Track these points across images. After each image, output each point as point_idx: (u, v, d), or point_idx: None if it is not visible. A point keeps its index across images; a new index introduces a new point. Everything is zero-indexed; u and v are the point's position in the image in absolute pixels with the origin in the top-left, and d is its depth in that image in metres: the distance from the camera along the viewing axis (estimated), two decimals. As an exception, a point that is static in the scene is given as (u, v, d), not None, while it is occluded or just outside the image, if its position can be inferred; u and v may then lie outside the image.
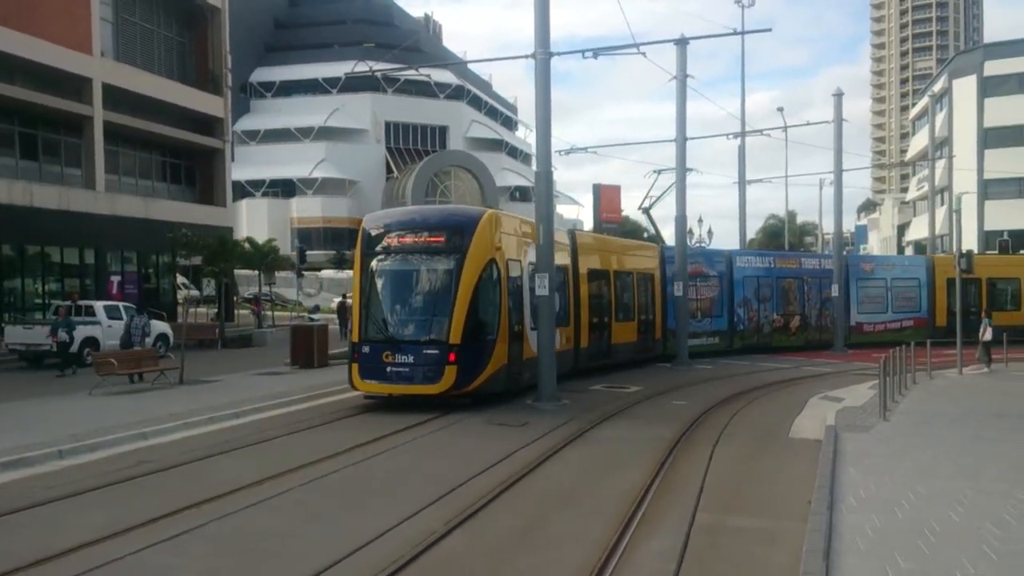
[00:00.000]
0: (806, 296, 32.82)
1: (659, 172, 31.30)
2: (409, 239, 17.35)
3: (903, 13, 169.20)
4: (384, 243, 17.44)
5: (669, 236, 31.65)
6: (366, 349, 16.75)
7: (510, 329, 17.63)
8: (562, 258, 21.10)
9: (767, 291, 31.85)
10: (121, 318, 26.21)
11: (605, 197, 43.37)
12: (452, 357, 16.17)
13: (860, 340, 31.53)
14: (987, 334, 25.13)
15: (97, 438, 12.97)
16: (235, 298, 43.87)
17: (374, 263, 17.42)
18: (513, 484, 10.52)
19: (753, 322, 31.47)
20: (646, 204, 28.57)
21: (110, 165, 34.81)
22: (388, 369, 16.40)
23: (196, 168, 41.27)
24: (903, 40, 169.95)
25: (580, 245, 22.80)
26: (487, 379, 16.76)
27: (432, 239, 17.17)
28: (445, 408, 16.17)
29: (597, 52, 20.91)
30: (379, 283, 17.46)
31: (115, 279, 34.80)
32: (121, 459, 12.08)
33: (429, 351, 16.26)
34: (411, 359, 16.34)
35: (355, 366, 16.85)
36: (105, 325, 25.52)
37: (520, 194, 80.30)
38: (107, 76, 33.54)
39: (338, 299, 42.81)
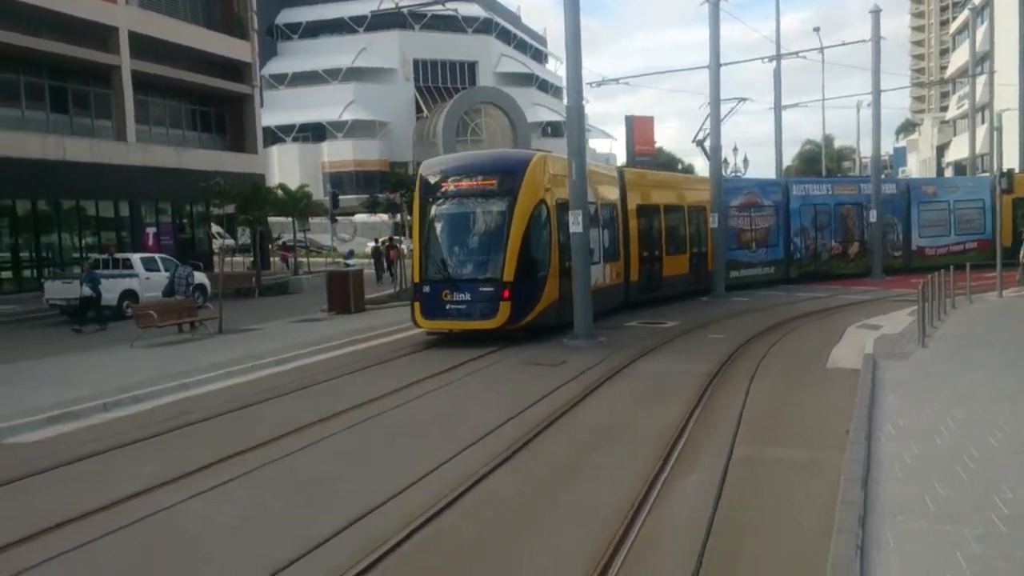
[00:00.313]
0: (865, 222, 32.51)
1: (704, 106, 31.10)
2: (464, 183, 18.37)
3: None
4: (440, 188, 18.52)
5: (702, 168, 31.54)
6: (427, 289, 17.98)
7: (560, 266, 18.46)
8: (611, 193, 22.22)
9: (824, 219, 31.87)
10: (159, 270, 26.57)
11: (638, 129, 42.96)
12: (506, 294, 17.30)
13: (922, 264, 31.00)
14: None
15: (140, 390, 13.25)
16: (270, 245, 44.21)
17: (431, 208, 18.53)
18: (551, 424, 10.61)
19: (811, 250, 31.59)
20: (700, 136, 28.48)
21: (140, 115, 34.94)
22: (448, 307, 17.63)
23: (226, 115, 41.29)
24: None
25: (628, 181, 23.54)
26: (539, 314, 17.86)
27: (485, 183, 18.19)
28: (496, 343, 17.07)
29: (624, -20, 20.39)
30: (437, 226, 18.57)
31: (150, 231, 35.19)
32: (165, 410, 12.34)
33: (485, 288, 17.43)
34: (468, 297, 17.56)
35: (417, 305, 18.14)
36: (143, 277, 25.85)
37: (552, 129, 79.49)
38: (132, 24, 33.47)
39: (372, 244, 43.02)
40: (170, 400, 13.04)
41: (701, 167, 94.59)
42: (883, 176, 40.41)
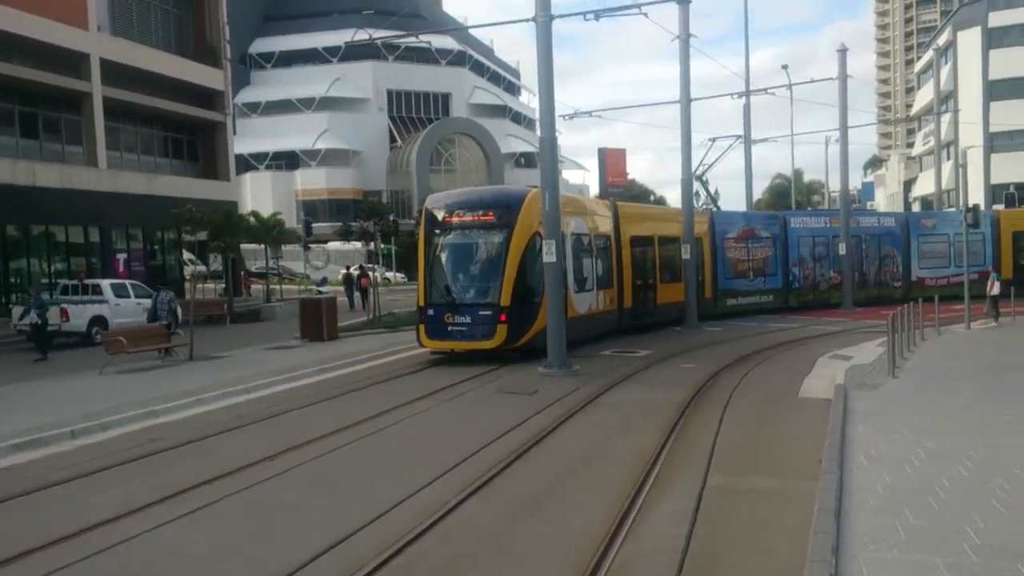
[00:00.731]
0: (864, 253, 33.62)
1: (713, 140, 32.88)
2: (465, 217, 19.98)
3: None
4: (443, 221, 20.07)
5: (674, 200, 32.28)
6: (431, 312, 19.49)
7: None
8: (604, 225, 23.67)
9: (823, 250, 32.87)
10: (129, 296, 26.33)
11: (611, 161, 43.27)
12: (503, 317, 18.75)
13: (921, 293, 31.49)
14: (994, 288, 25.06)
15: (108, 417, 13.05)
16: (242, 272, 43.93)
17: (435, 238, 20.09)
18: (525, 452, 10.57)
19: (809, 280, 32.75)
20: (699, 171, 29.64)
21: (111, 142, 34.72)
22: (450, 328, 19.15)
23: (198, 142, 41.13)
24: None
25: (622, 214, 24.78)
26: (534, 336, 19.00)
27: (484, 216, 19.74)
28: (493, 362, 18.17)
29: (599, 14, 20.64)
30: (440, 255, 20.12)
31: (121, 257, 34.84)
32: (133, 437, 12.16)
33: (484, 312, 18.84)
34: (469, 319, 19.04)
35: (422, 327, 19.62)
36: (113, 303, 25.58)
37: (525, 160, 79.93)
38: (104, 51, 33.34)
39: (344, 271, 42.94)
40: (139, 427, 12.85)
41: (673, 199, 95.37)
42: (856, 208, 40.93)
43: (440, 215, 20.15)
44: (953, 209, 39.75)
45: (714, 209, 33.10)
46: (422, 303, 19.67)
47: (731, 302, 30.02)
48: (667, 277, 26.70)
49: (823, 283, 32.94)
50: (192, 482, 9.38)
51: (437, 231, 20.06)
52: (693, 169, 28.63)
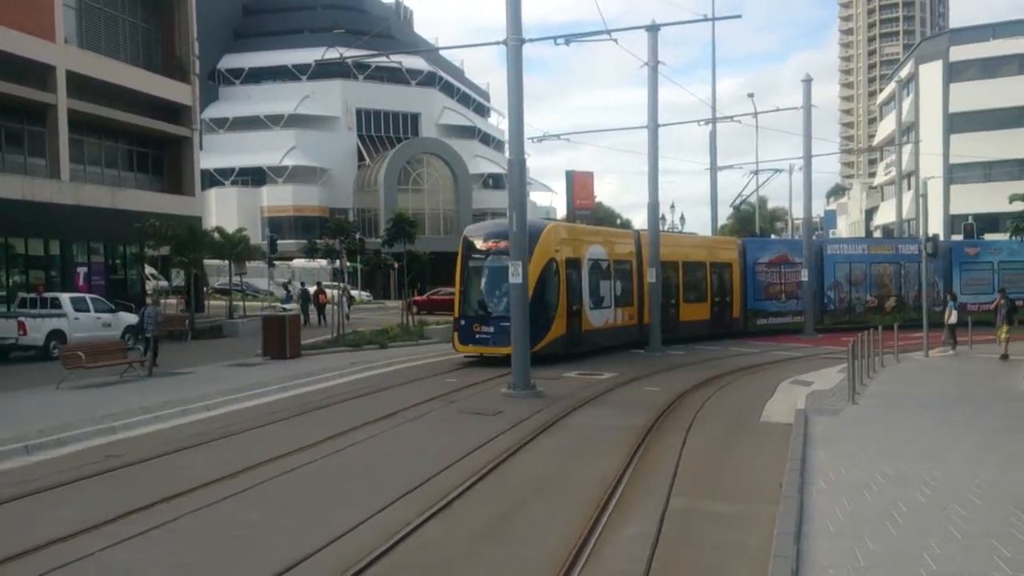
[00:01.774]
0: (902, 279, 35.47)
1: (756, 173, 36.00)
2: (492, 245, 23.62)
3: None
4: (476, 248, 23.91)
5: (640, 224, 33.13)
6: (463, 322, 23.43)
7: (568, 308, 23.71)
8: (624, 251, 27.61)
9: (859, 275, 34.74)
10: (89, 310, 25.94)
11: (578, 184, 43.35)
12: None
13: (964, 319, 32.27)
14: (952, 317, 25.45)
15: (65, 432, 12.83)
16: (205, 288, 43.50)
17: (469, 262, 23.82)
18: (487, 473, 10.53)
19: (844, 303, 34.90)
20: (736, 203, 31.74)
21: (75, 154, 34.27)
22: (477, 336, 23.04)
23: (164, 157, 40.73)
24: (871, 25, 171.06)
25: (644, 242, 27.87)
26: (547, 344, 22.68)
27: (507, 244, 20.67)
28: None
29: (569, 39, 20.86)
30: (472, 276, 23.76)
31: (81, 270, 34.30)
32: (90, 454, 11.96)
33: (504, 323, 21.01)
34: (492, 329, 22.64)
35: (456, 334, 23.72)
36: (72, 317, 25.18)
37: (493, 181, 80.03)
38: (71, 64, 32.98)
39: (299, 286, 43.08)
40: (96, 444, 12.64)
41: (640, 223, 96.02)
42: (819, 235, 41.54)
43: (474, 243, 24.02)
44: (1002, 238, 40.74)
45: (747, 238, 36.44)
46: (456, 315, 23.67)
47: (761, 322, 32.35)
48: (691, 297, 30.27)
49: (859, 305, 34.96)
50: (150, 500, 9.24)
51: (471, 256, 23.84)
52: (734, 201, 30.21)
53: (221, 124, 75.81)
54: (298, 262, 62.66)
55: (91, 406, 15.28)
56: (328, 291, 38.96)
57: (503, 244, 22.04)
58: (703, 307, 30.60)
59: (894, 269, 35.38)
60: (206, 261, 39.65)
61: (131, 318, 27.92)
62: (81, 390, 17.68)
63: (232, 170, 74.43)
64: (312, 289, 40.38)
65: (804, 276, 33.12)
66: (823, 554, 7.03)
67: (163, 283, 38.25)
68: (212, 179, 70.44)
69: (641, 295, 27.36)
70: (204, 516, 8.84)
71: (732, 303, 32.01)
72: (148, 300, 27.00)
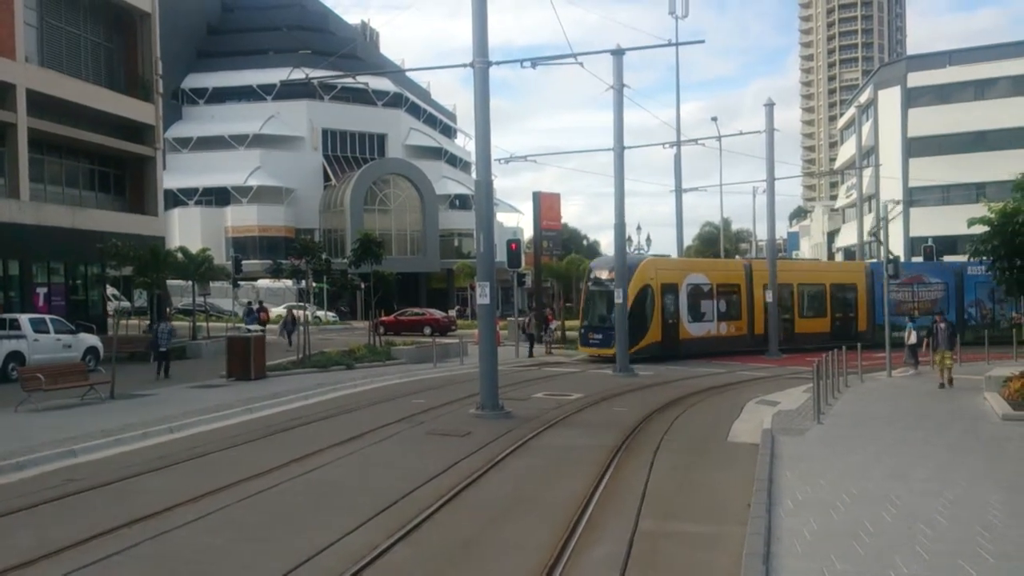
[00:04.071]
0: (976, 298, 37.96)
1: (897, 202, 40.38)
2: (604, 274, 31.29)
3: (830, 25, 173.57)
4: (594, 275, 32.48)
5: (607, 246, 34.49)
6: (583, 331, 32.72)
7: (664, 322, 31.30)
8: (734, 277, 34.41)
9: (1002, 294, 35.04)
10: (49, 331, 25.49)
11: (545, 205, 43.46)
12: None
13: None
14: (912, 337, 25.72)
15: (23, 456, 12.55)
16: (168, 309, 42.97)
17: (590, 285, 32.52)
18: (456, 495, 10.45)
19: (987, 319, 37.61)
20: (878, 232, 35.58)
21: (35, 173, 33.76)
22: (590, 340, 31.88)
23: (126, 176, 40.26)
24: (830, 51, 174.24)
25: (755, 268, 34.50)
26: (643, 348, 29.98)
27: (611, 275, 29.36)
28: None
29: (535, 62, 20.96)
30: (591, 297, 32.42)
31: (41, 291, 33.75)
32: (49, 478, 11.70)
33: (610, 331, 28.97)
34: (601, 336, 30.89)
35: (579, 338, 33.18)
36: (31, 339, 24.72)
37: (460, 202, 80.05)
38: (31, 82, 32.55)
39: (244, 302, 43.13)
40: (56, 467, 12.37)
41: (606, 245, 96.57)
42: (781, 256, 42.13)
43: (593, 273, 32.65)
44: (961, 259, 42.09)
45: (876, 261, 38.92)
46: (580, 325, 33.13)
47: (896, 335, 32.90)
48: (808, 313, 35.83)
49: (1002, 321, 36.98)
50: (111, 525, 9.05)
51: (590, 281, 32.56)
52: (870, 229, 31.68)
53: (185, 144, 75.18)
54: (263, 282, 62.18)
55: (51, 429, 14.99)
56: (296, 312, 39.08)
57: (611, 273, 29.26)
58: (822, 321, 35.45)
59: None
60: (169, 281, 39.21)
61: (92, 339, 27.50)
62: (40, 413, 17.34)
63: (196, 190, 73.79)
64: (255, 307, 40.78)
65: (939, 294, 36.91)
66: (792, 574, 7.06)
67: (125, 304, 37.68)
68: (176, 199, 69.77)
69: (751, 311, 33.09)
70: (166, 541, 8.67)
71: (857, 317, 36.16)
72: (168, 313, 27.87)
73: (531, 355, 33.55)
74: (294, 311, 40.40)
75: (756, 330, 33.51)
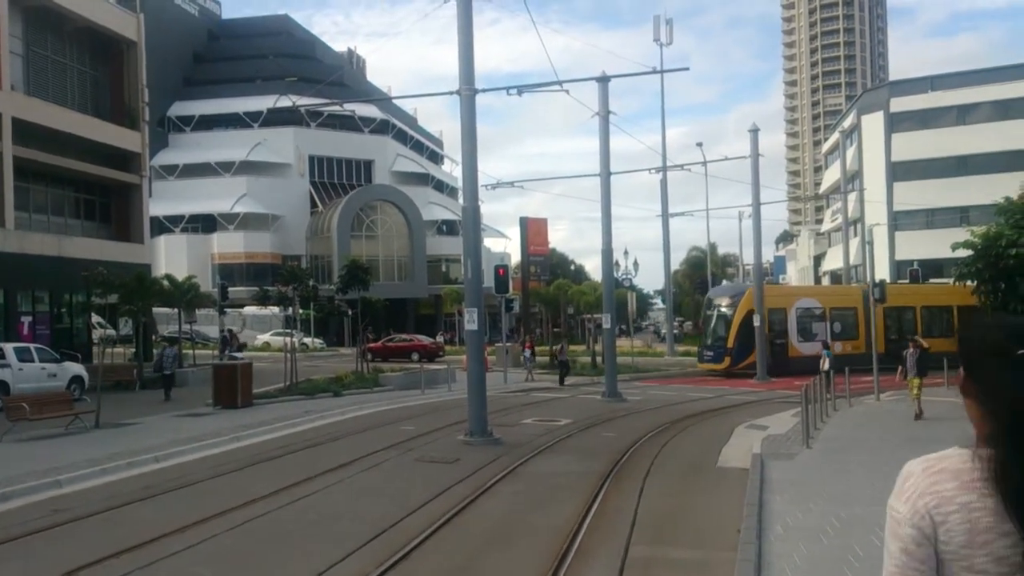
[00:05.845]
0: None
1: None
2: (722, 301, 37.46)
3: (813, 51, 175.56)
4: (710, 302, 38.88)
5: (593, 270, 33.98)
6: (700, 349, 38.53)
7: (771, 341, 35.00)
8: (849, 301, 38.77)
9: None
10: (33, 360, 25.31)
11: (532, 230, 43.72)
12: (728, 352, 35.67)
13: None
14: (825, 364, 25.19)
15: (9, 487, 12.42)
16: (153, 337, 42.78)
17: (705, 311, 38.15)
18: (445, 523, 10.40)
19: None
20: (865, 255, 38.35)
21: (20, 202, 33.66)
22: (705, 357, 37.46)
23: (112, 204, 40.18)
24: (813, 77, 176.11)
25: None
26: (746, 365, 34.60)
27: (724, 301, 37.00)
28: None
29: (521, 89, 21.14)
30: (708, 321, 37.94)
31: (26, 320, 33.56)
32: (35, 508, 11.57)
33: (720, 350, 35.91)
34: (713, 353, 36.65)
35: (697, 355, 39.31)
36: (16, 368, 24.51)
37: (447, 228, 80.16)
38: (17, 110, 32.53)
39: (225, 330, 43.19)
40: (41, 497, 12.24)
41: (591, 269, 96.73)
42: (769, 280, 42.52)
43: (709, 299, 38.59)
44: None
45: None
46: (700, 344, 39.11)
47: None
48: (931, 332, 35.77)
49: None
50: (98, 556, 8.94)
51: (707, 308, 38.09)
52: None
53: (171, 171, 75.12)
54: (249, 309, 61.94)
55: (36, 459, 14.85)
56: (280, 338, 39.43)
57: (723, 301, 36.66)
58: (945, 341, 34.45)
59: None
60: (155, 309, 39.02)
61: (77, 368, 27.31)
62: (25, 443, 17.18)
63: (182, 217, 73.63)
64: (227, 334, 41.82)
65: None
66: (784, 599, 7.04)
67: (110, 332, 37.47)
68: (161, 226, 69.56)
69: (869, 331, 32.38)
70: (154, 572, 8.58)
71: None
72: (185, 334, 28.44)
73: (562, 383, 32.89)
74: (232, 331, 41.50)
75: (877, 348, 29.57)
